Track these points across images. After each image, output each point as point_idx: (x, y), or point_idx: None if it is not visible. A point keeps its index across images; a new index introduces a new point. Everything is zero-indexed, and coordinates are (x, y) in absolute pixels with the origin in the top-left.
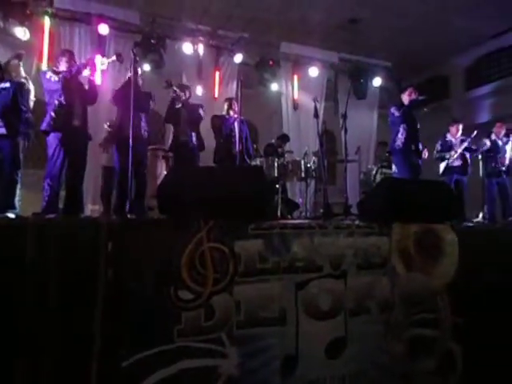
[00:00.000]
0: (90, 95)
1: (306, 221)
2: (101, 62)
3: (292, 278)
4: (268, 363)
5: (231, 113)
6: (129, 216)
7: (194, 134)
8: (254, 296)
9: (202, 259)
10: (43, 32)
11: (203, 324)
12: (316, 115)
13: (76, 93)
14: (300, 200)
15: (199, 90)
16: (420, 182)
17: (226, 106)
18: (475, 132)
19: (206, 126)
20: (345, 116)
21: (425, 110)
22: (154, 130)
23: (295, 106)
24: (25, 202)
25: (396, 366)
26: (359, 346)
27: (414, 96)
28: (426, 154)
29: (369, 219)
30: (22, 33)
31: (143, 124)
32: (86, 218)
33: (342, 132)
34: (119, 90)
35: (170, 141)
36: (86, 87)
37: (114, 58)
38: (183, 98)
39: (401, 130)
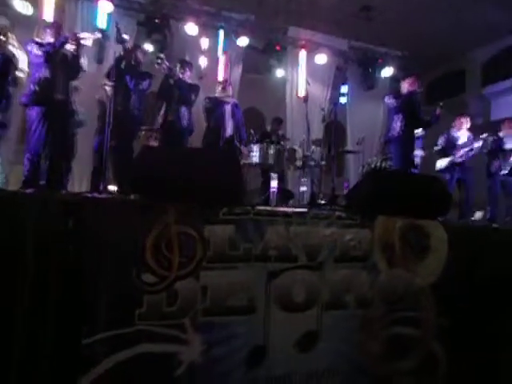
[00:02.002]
0: (74, 69)
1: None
2: (84, 36)
3: (264, 266)
4: (234, 353)
5: (224, 95)
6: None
7: (185, 114)
8: (222, 283)
9: (169, 242)
10: (44, 7)
11: (165, 309)
12: (306, 99)
13: (59, 66)
14: (303, 189)
15: (203, 73)
16: (409, 175)
17: (219, 88)
18: (484, 134)
19: (198, 108)
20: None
21: (440, 104)
22: (149, 111)
23: (300, 93)
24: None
25: (372, 365)
26: (332, 341)
27: (413, 87)
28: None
29: (353, 211)
30: (24, 7)
31: (134, 102)
32: (47, 193)
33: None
34: (112, 65)
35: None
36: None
37: (98, 35)
38: (178, 74)
39: (397, 118)
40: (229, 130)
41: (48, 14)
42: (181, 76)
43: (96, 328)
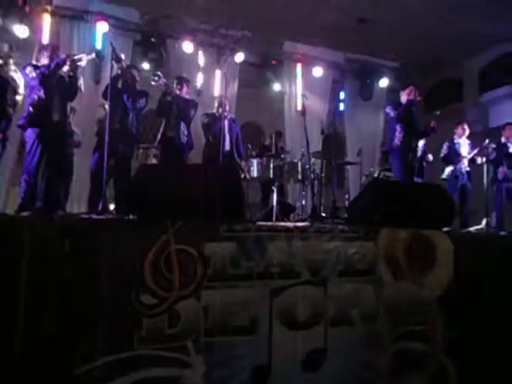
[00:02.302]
0: (71, 90)
1: (289, 224)
2: (79, 58)
3: (267, 284)
4: (237, 374)
5: (221, 111)
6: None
7: (184, 130)
8: (224, 302)
9: (168, 262)
10: (42, 30)
11: (167, 331)
12: (304, 113)
13: (56, 88)
14: (303, 202)
15: (200, 89)
16: (412, 184)
17: (216, 104)
18: (486, 141)
19: (197, 124)
20: (334, 115)
21: (437, 113)
22: (147, 129)
23: (298, 106)
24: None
25: (381, 382)
26: (340, 359)
27: (412, 96)
28: (430, 159)
29: (355, 223)
30: (21, 30)
31: (132, 120)
32: (43, 216)
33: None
34: (108, 84)
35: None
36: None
37: (93, 55)
38: (175, 91)
39: (398, 128)
40: (227, 144)
41: (44, 37)
42: (178, 92)
43: (94, 354)
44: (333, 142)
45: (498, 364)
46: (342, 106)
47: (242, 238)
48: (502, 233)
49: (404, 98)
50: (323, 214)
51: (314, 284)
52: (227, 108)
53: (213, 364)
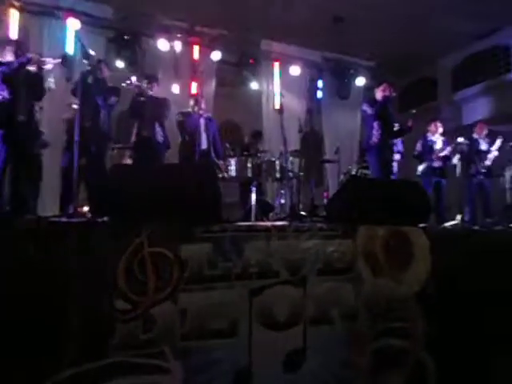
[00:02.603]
0: (37, 90)
1: (267, 223)
2: (44, 62)
3: (245, 284)
4: (217, 378)
5: (196, 109)
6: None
7: (159, 129)
8: (202, 305)
9: (142, 265)
10: (8, 27)
11: (142, 336)
12: (281, 111)
13: (21, 87)
14: (282, 201)
15: (176, 88)
16: (389, 181)
17: (191, 102)
18: (459, 138)
19: (172, 123)
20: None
21: (412, 111)
22: (122, 129)
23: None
24: None
25: (361, 381)
26: (320, 358)
27: (387, 92)
28: (397, 158)
29: (334, 221)
30: None
31: (104, 118)
32: (8, 220)
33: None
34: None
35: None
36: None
37: (59, 60)
38: (147, 91)
39: (375, 125)
40: (203, 143)
41: (11, 33)
42: (149, 92)
43: (64, 364)
44: (311, 140)
45: (475, 359)
46: (319, 105)
47: (218, 238)
48: (475, 227)
49: (379, 94)
50: (302, 213)
51: (292, 283)
52: (203, 106)
53: (192, 369)
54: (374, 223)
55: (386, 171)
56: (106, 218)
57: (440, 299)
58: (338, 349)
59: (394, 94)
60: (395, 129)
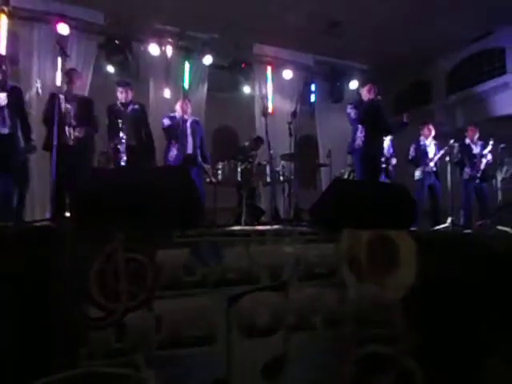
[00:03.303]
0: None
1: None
2: None
3: (223, 291)
4: None
5: (182, 113)
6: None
7: (142, 135)
8: (178, 312)
9: (116, 271)
10: None
11: (114, 345)
12: (264, 113)
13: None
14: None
15: (167, 93)
16: (374, 184)
17: (177, 106)
18: (451, 141)
19: (158, 127)
20: (294, 114)
21: (406, 115)
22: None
23: (267, 109)
24: None
25: None
26: (301, 365)
27: (372, 94)
28: (393, 162)
29: (318, 225)
30: None
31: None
32: None
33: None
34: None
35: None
36: None
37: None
38: (121, 99)
39: (359, 128)
40: (189, 147)
41: (1, 39)
42: (124, 100)
43: (30, 374)
44: (300, 143)
45: (464, 367)
46: (312, 108)
47: (196, 243)
48: (468, 231)
49: (364, 95)
50: (287, 217)
51: (273, 289)
52: (189, 111)
53: (167, 379)
54: (358, 227)
55: (370, 174)
56: (79, 223)
57: (426, 304)
58: (320, 356)
59: (379, 97)
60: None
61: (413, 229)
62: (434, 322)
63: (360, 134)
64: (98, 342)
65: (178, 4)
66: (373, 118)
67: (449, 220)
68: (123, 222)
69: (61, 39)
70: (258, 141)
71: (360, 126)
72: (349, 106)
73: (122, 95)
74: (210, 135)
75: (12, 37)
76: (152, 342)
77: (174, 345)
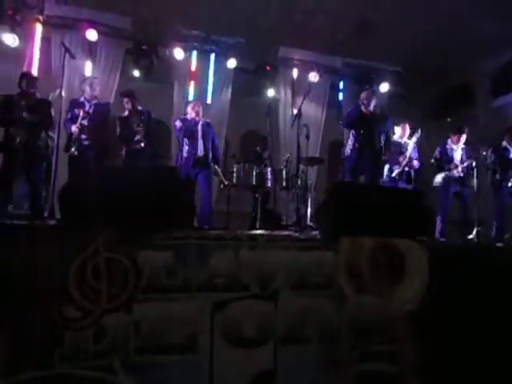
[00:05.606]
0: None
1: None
2: None
3: (208, 296)
4: None
5: (194, 115)
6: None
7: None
8: (159, 317)
9: (96, 271)
10: (33, 39)
11: (91, 348)
12: (267, 113)
13: None
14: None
15: (191, 96)
16: (379, 188)
17: (189, 109)
18: (483, 152)
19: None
20: (299, 115)
21: (448, 119)
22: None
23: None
24: None
25: None
26: (292, 381)
27: (365, 102)
28: (416, 165)
29: (320, 231)
30: (11, 40)
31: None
32: None
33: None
34: None
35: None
36: None
37: None
38: (129, 108)
39: (351, 136)
40: (200, 150)
41: (35, 46)
42: (131, 108)
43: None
44: (298, 143)
45: None
46: (340, 111)
47: (180, 246)
48: (499, 244)
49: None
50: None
51: (262, 298)
52: (200, 113)
53: None
54: (362, 234)
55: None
56: (61, 222)
57: (438, 320)
58: (313, 372)
59: (371, 107)
60: (382, 144)
61: (423, 238)
62: (445, 338)
63: (350, 142)
64: (74, 343)
65: (203, 8)
66: (366, 128)
67: (474, 231)
68: (107, 222)
69: (64, 40)
70: (265, 140)
71: (351, 134)
72: (347, 110)
73: (127, 105)
74: (237, 140)
75: (44, 44)
76: (130, 346)
77: (154, 351)
